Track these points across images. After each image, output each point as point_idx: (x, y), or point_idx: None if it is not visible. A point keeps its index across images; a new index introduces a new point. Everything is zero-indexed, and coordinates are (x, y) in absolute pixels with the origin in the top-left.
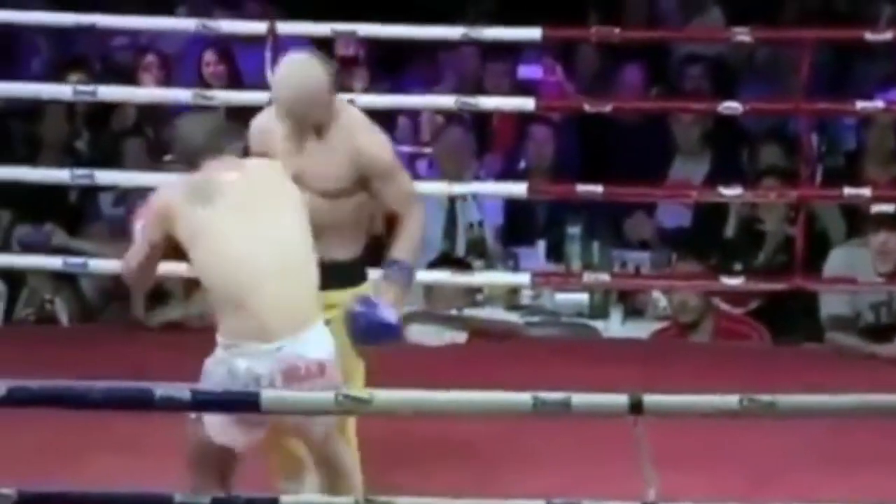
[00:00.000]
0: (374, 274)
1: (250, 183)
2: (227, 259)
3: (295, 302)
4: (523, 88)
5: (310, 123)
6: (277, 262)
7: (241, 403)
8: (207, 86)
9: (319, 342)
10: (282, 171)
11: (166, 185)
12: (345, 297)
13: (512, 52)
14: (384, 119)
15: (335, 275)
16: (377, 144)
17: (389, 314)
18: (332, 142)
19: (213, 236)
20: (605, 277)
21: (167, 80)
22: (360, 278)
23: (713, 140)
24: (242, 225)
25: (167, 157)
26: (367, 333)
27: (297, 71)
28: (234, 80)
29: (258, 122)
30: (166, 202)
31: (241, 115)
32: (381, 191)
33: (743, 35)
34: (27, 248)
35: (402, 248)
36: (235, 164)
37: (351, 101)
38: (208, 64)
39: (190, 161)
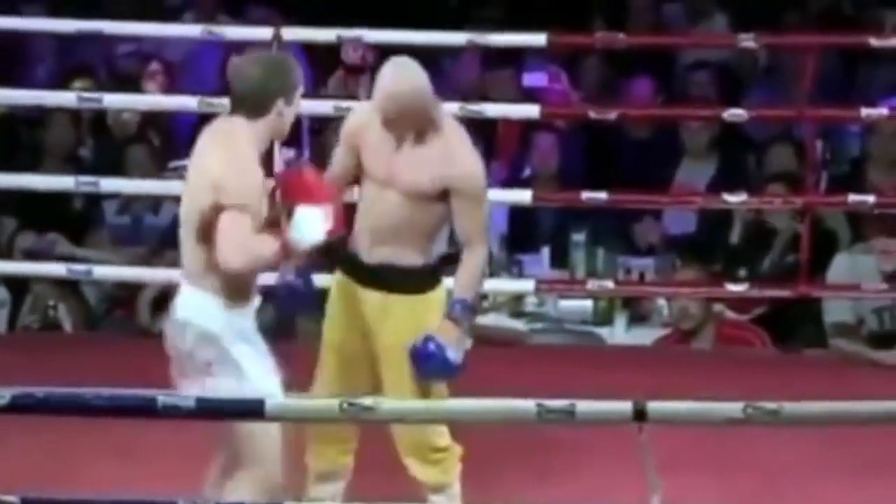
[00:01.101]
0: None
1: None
2: None
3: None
4: (528, 96)
5: (401, 126)
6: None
7: (245, 412)
8: (229, 88)
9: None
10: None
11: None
12: (408, 304)
13: (517, 59)
14: None
15: (404, 280)
16: (471, 165)
17: (454, 355)
18: (428, 147)
19: None
20: (609, 284)
21: (171, 88)
22: (428, 286)
23: (720, 144)
24: None
25: (171, 165)
26: (430, 372)
27: (395, 73)
28: None
29: (351, 122)
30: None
31: None
32: (457, 211)
33: (748, 41)
34: (31, 256)
35: (465, 287)
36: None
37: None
38: None
39: (250, 106)
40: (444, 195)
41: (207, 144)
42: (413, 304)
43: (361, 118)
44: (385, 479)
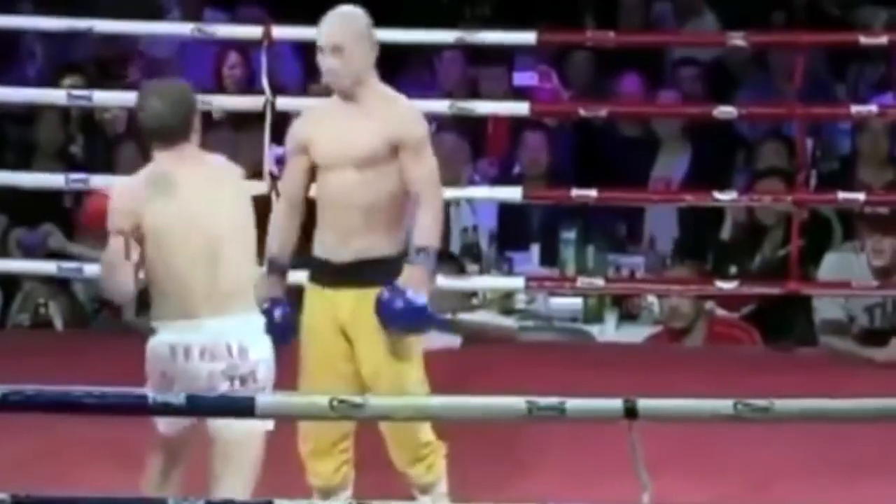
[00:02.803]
0: None
1: (205, 179)
2: (171, 249)
3: (221, 288)
4: (519, 95)
5: (345, 74)
6: (211, 251)
7: (235, 409)
8: (223, 87)
9: (244, 331)
10: (237, 171)
11: (125, 182)
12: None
13: (507, 58)
14: None
15: (377, 273)
16: (413, 114)
17: (417, 298)
18: (368, 108)
19: (166, 229)
20: (599, 282)
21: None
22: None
23: (697, 135)
24: (186, 216)
25: None
26: (397, 318)
27: (340, 9)
28: (251, 84)
29: (301, 124)
30: (130, 197)
31: (237, 120)
32: (408, 166)
33: (738, 39)
34: (25, 248)
35: (427, 235)
36: (194, 157)
37: None
38: (234, 66)
39: (153, 137)
40: (394, 154)
41: None
42: None
43: (311, 117)
44: (381, 478)
